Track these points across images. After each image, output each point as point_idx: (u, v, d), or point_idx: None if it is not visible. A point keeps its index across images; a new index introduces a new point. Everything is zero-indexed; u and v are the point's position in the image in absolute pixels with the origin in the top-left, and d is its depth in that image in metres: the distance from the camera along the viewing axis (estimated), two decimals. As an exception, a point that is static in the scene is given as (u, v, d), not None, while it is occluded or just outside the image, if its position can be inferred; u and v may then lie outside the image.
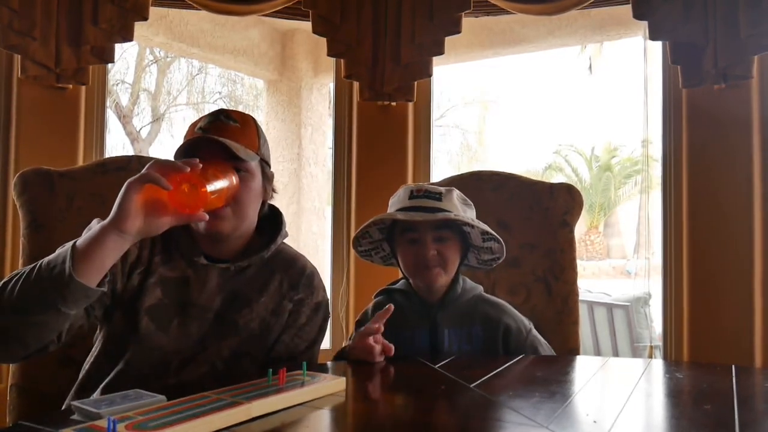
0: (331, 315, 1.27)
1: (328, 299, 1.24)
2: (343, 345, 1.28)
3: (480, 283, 1.41)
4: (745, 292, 1.93)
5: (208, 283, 1.10)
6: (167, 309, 1.08)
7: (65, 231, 1.36)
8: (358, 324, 1.36)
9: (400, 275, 1.45)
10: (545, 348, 1.31)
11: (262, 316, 1.13)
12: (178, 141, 1.18)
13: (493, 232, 1.27)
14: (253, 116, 1.17)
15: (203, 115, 1.13)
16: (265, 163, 1.14)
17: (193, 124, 1.12)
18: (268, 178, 1.15)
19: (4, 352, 0.94)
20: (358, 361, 1.14)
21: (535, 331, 1.32)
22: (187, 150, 1.04)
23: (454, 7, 2.06)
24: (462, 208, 1.29)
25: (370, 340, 1.14)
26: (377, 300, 1.38)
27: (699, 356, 1.97)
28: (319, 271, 1.24)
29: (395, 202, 1.32)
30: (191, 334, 1.08)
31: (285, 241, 1.22)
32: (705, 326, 1.98)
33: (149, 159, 1.49)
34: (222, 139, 1.03)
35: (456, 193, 1.31)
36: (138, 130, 12.22)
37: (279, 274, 1.17)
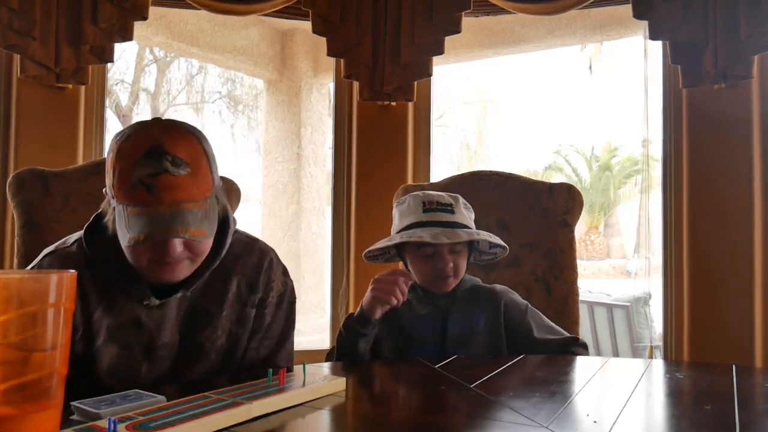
0: (297, 298, 1.17)
1: (290, 284, 1.15)
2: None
3: (480, 283, 1.43)
4: (745, 292, 1.93)
5: (166, 319, 1.01)
6: (130, 359, 0.99)
7: (61, 231, 1.37)
8: None
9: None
10: (545, 320, 1.36)
11: (228, 329, 1.07)
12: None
13: (503, 243, 1.34)
14: (197, 128, 0.96)
15: (140, 157, 0.87)
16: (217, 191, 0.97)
17: (126, 166, 0.88)
18: (220, 202, 0.98)
19: None
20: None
21: (532, 307, 1.37)
22: (134, 225, 0.86)
23: (454, 6, 2.05)
24: (468, 216, 1.36)
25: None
26: None
27: (699, 356, 1.97)
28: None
29: (406, 212, 1.35)
30: (163, 369, 1.02)
31: (237, 227, 1.09)
32: (705, 326, 1.98)
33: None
34: (182, 234, 0.86)
35: (461, 201, 1.36)
36: (138, 130, 12.20)
37: (235, 276, 1.07)
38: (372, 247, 1.38)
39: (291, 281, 1.16)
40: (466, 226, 1.32)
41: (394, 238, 1.33)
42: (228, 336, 1.07)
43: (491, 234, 1.34)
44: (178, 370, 1.03)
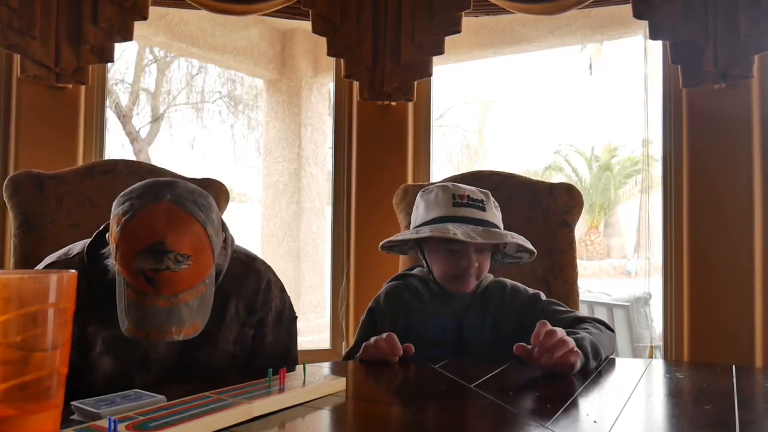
0: (297, 316, 1.21)
1: (288, 301, 1.18)
2: (349, 347, 1.28)
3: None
4: (746, 292, 1.93)
5: None
6: (125, 372, 1.00)
7: (56, 231, 1.40)
8: (370, 312, 1.33)
9: (402, 268, 1.46)
10: (563, 306, 1.27)
11: (225, 349, 1.08)
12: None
13: (532, 248, 1.26)
14: (204, 203, 0.93)
15: (142, 249, 0.86)
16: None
17: (129, 252, 0.87)
18: (217, 261, 0.99)
19: None
20: (368, 360, 1.14)
21: (545, 298, 1.30)
22: (132, 313, 0.88)
23: (454, 6, 2.06)
24: (497, 214, 1.29)
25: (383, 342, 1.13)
26: (391, 284, 1.36)
27: (699, 356, 1.97)
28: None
29: (433, 203, 1.27)
30: (156, 384, 1.01)
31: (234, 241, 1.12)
32: (705, 326, 1.98)
33: (139, 162, 1.51)
34: (176, 335, 0.89)
35: (492, 198, 1.29)
36: (137, 129, 12.22)
37: (233, 298, 1.09)
38: (393, 238, 1.29)
39: (289, 298, 1.18)
40: (496, 226, 1.25)
41: (422, 230, 1.22)
42: (225, 357, 1.08)
43: (524, 238, 1.25)
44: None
